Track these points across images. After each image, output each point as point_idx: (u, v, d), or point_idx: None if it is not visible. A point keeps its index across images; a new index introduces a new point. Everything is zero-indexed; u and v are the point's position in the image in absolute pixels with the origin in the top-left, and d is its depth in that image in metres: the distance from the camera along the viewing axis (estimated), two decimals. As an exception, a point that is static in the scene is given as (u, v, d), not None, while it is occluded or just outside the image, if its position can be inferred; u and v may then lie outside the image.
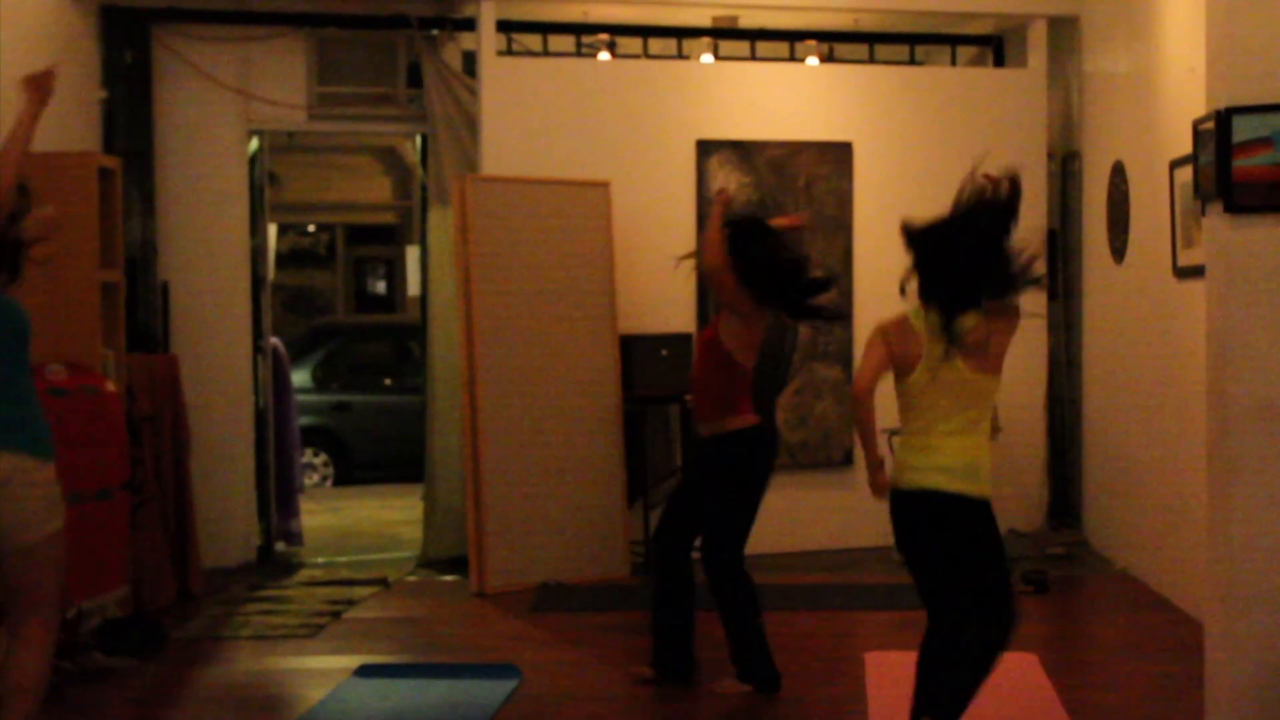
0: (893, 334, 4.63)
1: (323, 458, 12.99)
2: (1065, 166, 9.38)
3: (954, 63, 9.60)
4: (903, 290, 4.64)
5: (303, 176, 16.36)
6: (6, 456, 4.40)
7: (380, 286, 18.77)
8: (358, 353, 14.22)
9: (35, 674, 4.52)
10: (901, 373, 4.61)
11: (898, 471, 4.67)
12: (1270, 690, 4.86)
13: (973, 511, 4.56)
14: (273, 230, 12.16)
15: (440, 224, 8.75)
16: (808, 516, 8.90)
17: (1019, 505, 8.91)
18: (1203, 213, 5.19)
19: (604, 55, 9.01)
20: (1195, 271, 6.43)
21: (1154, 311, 7.67)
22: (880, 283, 9.00)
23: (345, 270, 18.47)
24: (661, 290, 8.53)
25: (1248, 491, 4.87)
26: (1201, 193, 5.16)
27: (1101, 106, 8.79)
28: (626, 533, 8.35)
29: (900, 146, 9.04)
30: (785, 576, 8.18)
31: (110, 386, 6.82)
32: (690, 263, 6.67)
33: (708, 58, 9.16)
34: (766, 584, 7.88)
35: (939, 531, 4.58)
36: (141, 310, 8.39)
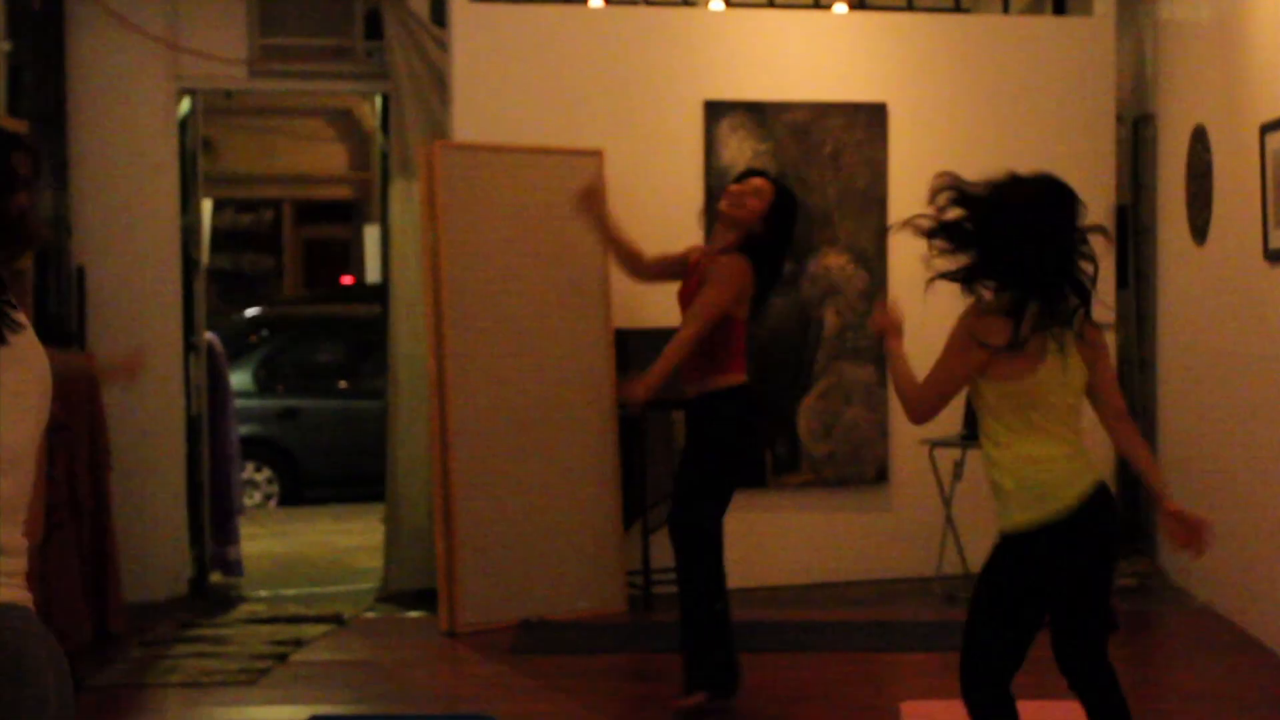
0: (993, 331, 4.41)
1: (266, 473, 13.00)
2: (1137, 132, 9.38)
3: (1006, 10, 9.60)
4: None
5: (243, 144, 16.37)
6: None
7: (334, 272, 18.77)
8: (307, 350, 14.22)
9: None
10: (1012, 375, 4.44)
11: (1039, 498, 4.40)
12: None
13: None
14: (207, 206, 12.12)
15: (404, 199, 8.75)
16: (836, 543, 8.89)
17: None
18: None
19: (596, 2, 9.00)
20: (1290, 254, 6.42)
21: (1242, 301, 7.66)
22: (920, 268, 9.02)
23: (293, 253, 18.48)
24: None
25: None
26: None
27: (1180, 61, 8.78)
28: (622, 562, 8.34)
29: (943, 108, 9.04)
30: (809, 612, 8.17)
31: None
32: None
33: (717, 4, 9.15)
34: (788, 621, 7.92)
35: (1110, 557, 4.53)
36: (52, 299, 8.39)
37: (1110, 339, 4.55)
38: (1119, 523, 4.56)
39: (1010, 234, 4.44)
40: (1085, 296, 4.43)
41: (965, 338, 4.44)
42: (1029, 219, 4.46)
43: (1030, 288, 4.38)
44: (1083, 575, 4.45)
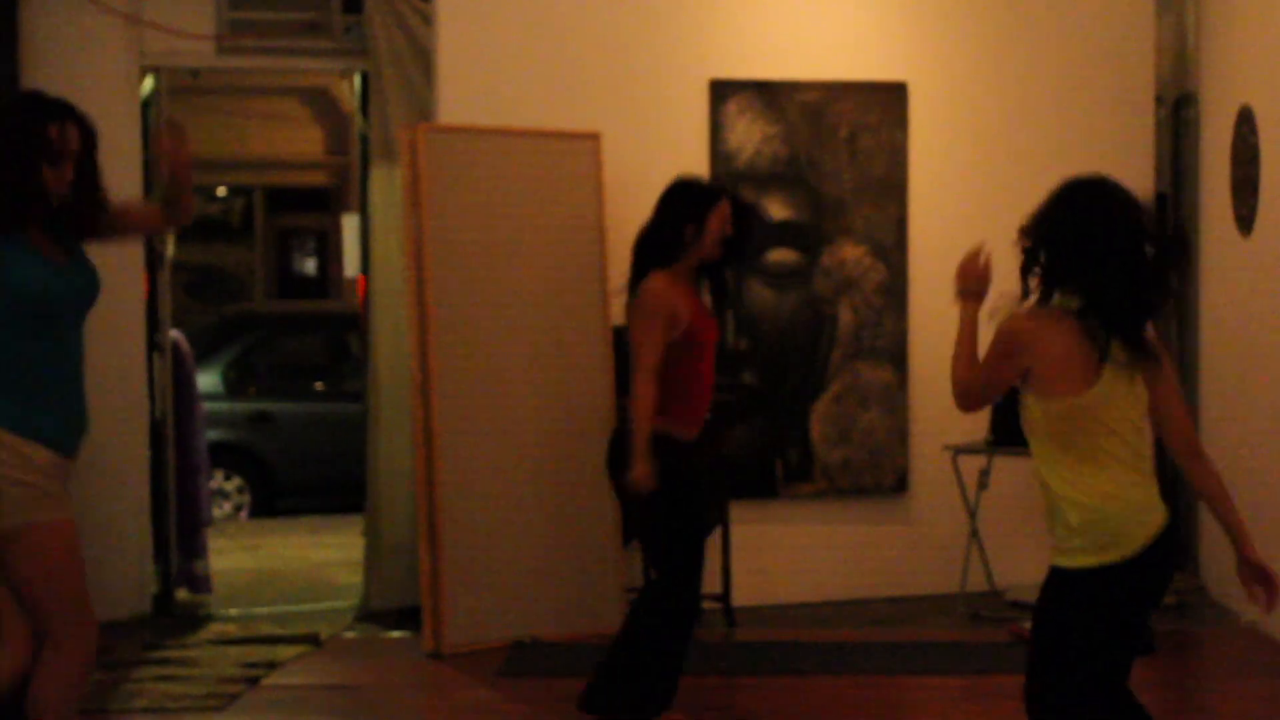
0: (1046, 336, 4.41)
1: (236, 482, 13.02)
2: (1178, 113, 9.39)
3: (1037, -19, 9.62)
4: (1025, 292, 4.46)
5: (211, 126, 16.36)
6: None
7: (309, 265, 18.79)
8: (281, 349, 14.25)
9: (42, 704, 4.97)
10: (1069, 389, 4.41)
11: (1107, 543, 4.37)
12: None
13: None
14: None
15: (385, 186, 8.77)
16: (852, 557, 8.91)
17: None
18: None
19: (593, -28, 9.03)
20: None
21: (1290, 296, 7.68)
22: (943, 260, 9.04)
23: (265, 245, 18.50)
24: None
25: None
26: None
27: (1224, 37, 8.79)
28: (620, 578, 8.35)
29: (967, 88, 9.06)
30: (824, 632, 8.19)
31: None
32: None
33: (724, -25, 9.17)
34: (802, 642, 7.93)
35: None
36: (6, 295, 8.38)
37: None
38: (1180, 556, 4.55)
39: (1058, 239, 4.44)
40: (1145, 308, 4.41)
41: (1009, 337, 4.42)
42: (1077, 223, 4.43)
43: (1090, 297, 4.36)
44: (1138, 615, 4.45)
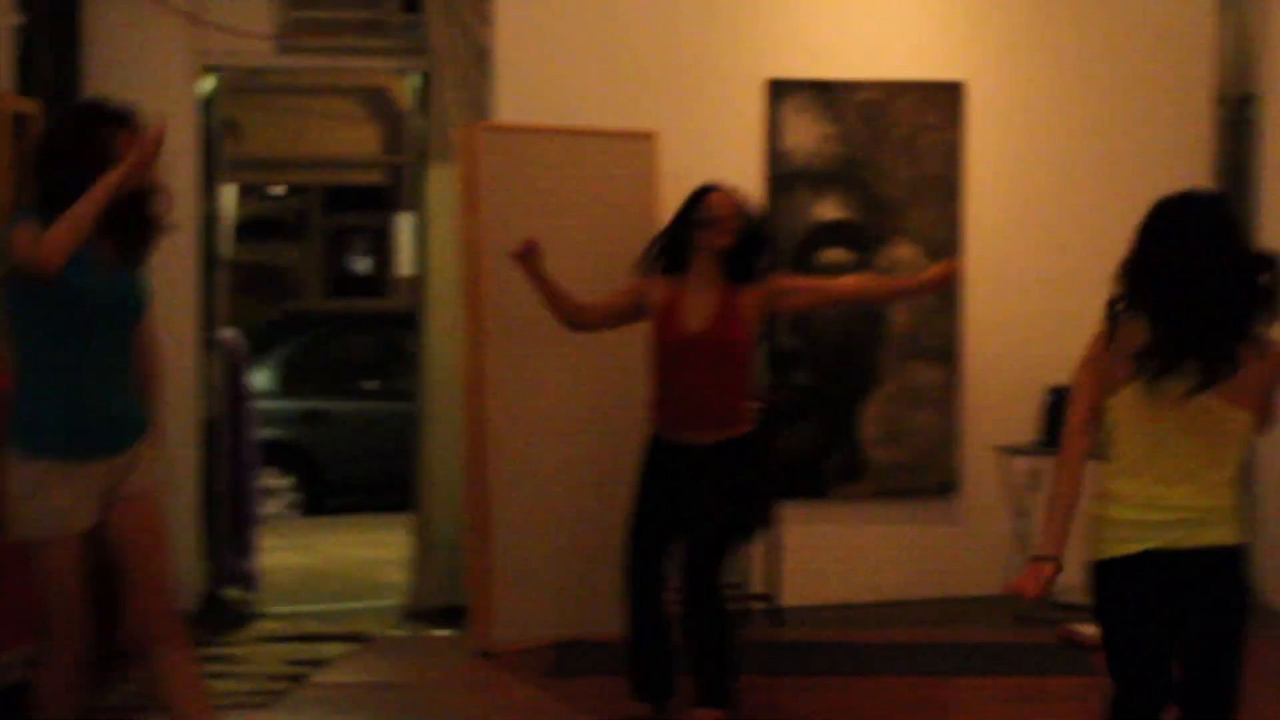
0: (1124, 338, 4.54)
1: (288, 480, 13.09)
2: (1239, 113, 9.35)
3: (1096, -19, 9.61)
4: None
5: (269, 125, 16.44)
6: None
7: (364, 264, 18.87)
8: (334, 348, 14.31)
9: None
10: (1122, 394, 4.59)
11: (1124, 537, 4.59)
12: None
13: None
14: (231, 193, 12.25)
15: (441, 185, 8.81)
16: (901, 558, 8.91)
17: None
18: None
19: (649, -29, 9.07)
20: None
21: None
22: (1001, 262, 9.07)
23: (321, 244, 18.59)
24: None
25: None
26: None
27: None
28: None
29: (1025, 88, 9.06)
30: (872, 633, 8.19)
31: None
32: None
33: (781, -26, 9.20)
34: (848, 642, 7.95)
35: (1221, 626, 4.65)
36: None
37: None
38: (1235, 593, 4.56)
39: (1136, 258, 4.54)
40: (1228, 329, 4.43)
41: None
42: (1149, 239, 4.52)
43: (1156, 314, 4.43)
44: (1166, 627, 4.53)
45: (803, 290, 6.93)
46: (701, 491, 6.59)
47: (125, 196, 5.08)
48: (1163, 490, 4.51)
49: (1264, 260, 4.45)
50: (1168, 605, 4.53)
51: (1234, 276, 4.43)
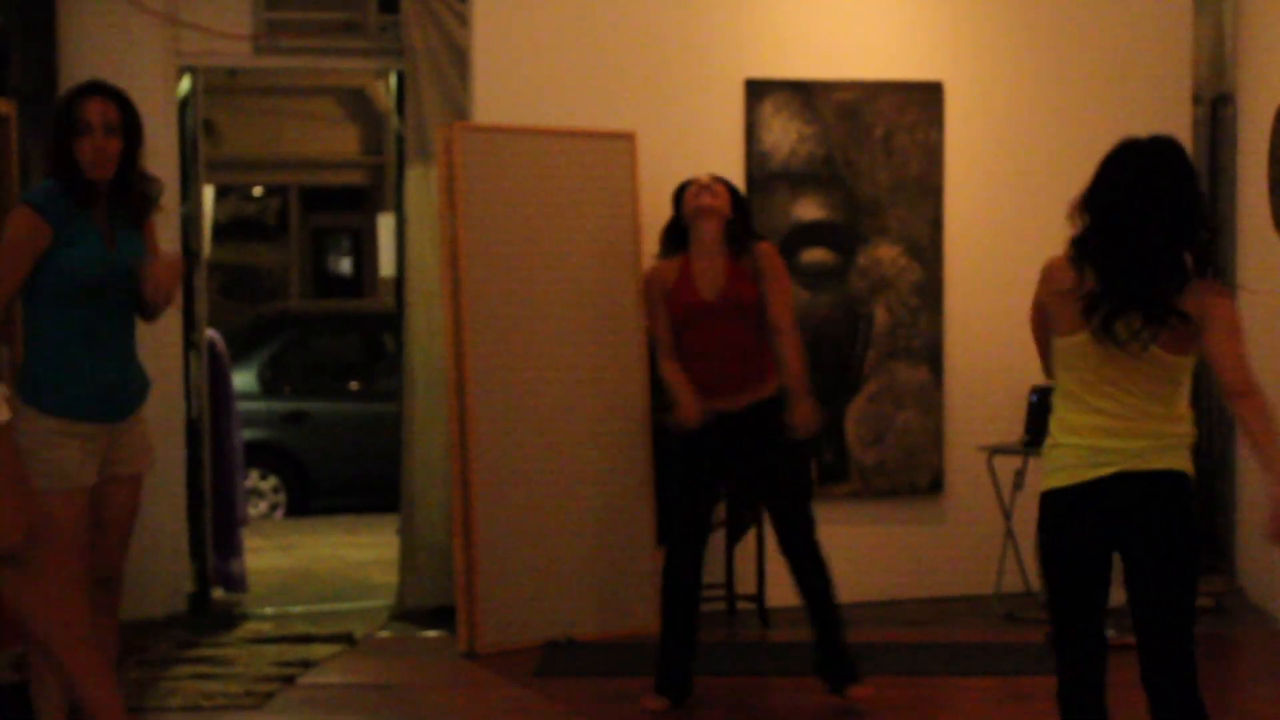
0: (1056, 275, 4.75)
1: (272, 481, 13.06)
2: (1215, 113, 9.36)
3: (1073, -20, 9.60)
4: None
5: (247, 126, 16.43)
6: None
7: (345, 265, 18.84)
8: (316, 349, 14.28)
9: None
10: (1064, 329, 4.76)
11: (1057, 468, 4.78)
12: None
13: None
14: (209, 194, 12.20)
15: (421, 186, 8.79)
16: (887, 558, 8.91)
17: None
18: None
19: (628, -28, 9.04)
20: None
21: (1328, 297, 7.65)
22: (978, 261, 9.07)
23: (301, 244, 18.54)
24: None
25: None
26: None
27: (1262, 36, 8.77)
28: (655, 578, 8.34)
29: (1004, 88, 9.05)
30: (858, 633, 8.17)
31: (3, 389, 6.85)
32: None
33: (760, -25, 9.18)
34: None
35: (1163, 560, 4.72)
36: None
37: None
38: (1180, 517, 4.59)
39: (1085, 206, 4.70)
40: (1170, 280, 4.54)
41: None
42: (1096, 188, 4.69)
43: (1099, 260, 4.59)
44: (1093, 562, 4.66)
45: (769, 290, 6.94)
46: (755, 456, 6.84)
47: (117, 177, 5.49)
48: (1105, 426, 4.62)
49: (1202, 217, 4.63)
50: (1107, 535, 4.63)
51: (1177, 227, 4.57)
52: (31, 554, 5.05)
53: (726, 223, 6.93)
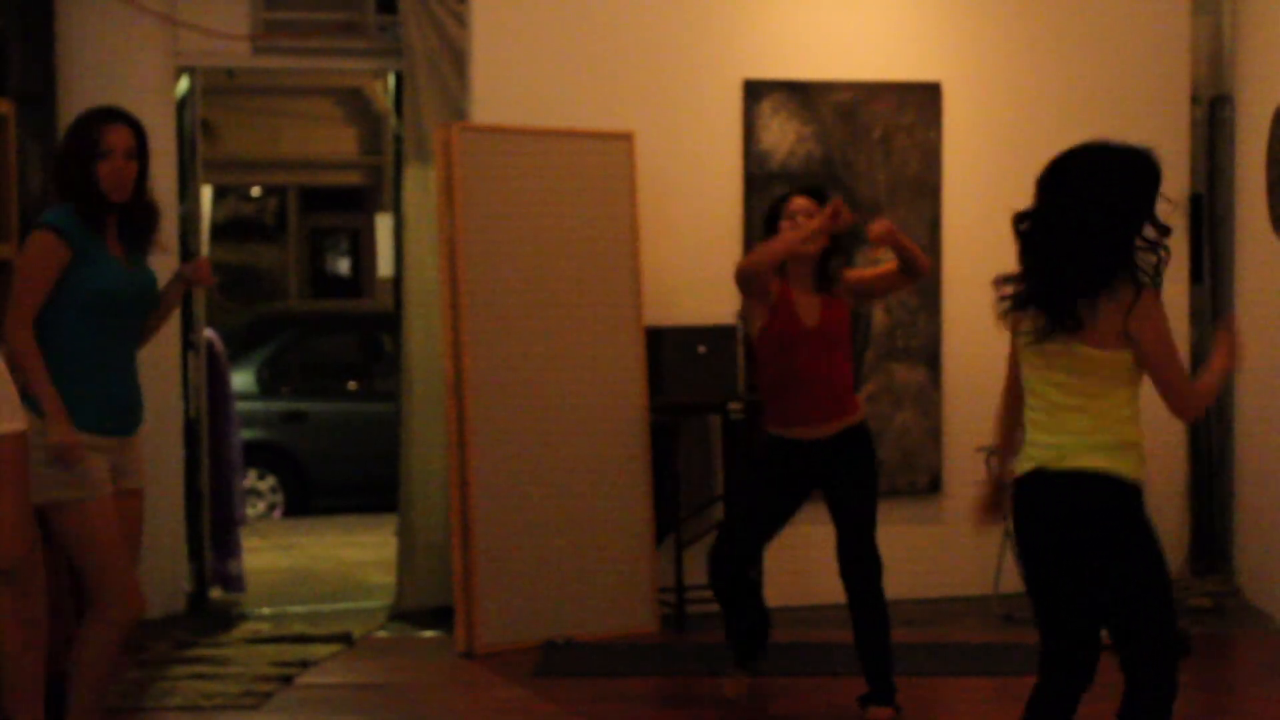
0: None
1: (270, 481, 13.05)
2: (1214, 113, 9.36)
3: (1072, -19, 9.59)
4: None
5: (245, 126, 16.42)
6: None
7: (343, 265, 18.84)
8: (315, 349, 14.28)
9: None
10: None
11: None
12: None
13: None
14: (207, 194, 12.20)
15: (419, 186, 8.78)
16: (885, 558, 8.74)
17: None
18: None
19: (626, -28, 9.03)
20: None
21: (1326, 298, 7.65)
22: (977, 260, 9.04)
23: (299, 245, 18.54)
24: (698, 271, 8.53)
25: None
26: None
27: (1260, 37, 8.76)
28: (654, 578, 8.36)
29: (1002, 88, 9.04)
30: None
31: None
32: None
33: (758, -25, 9.17)
34: (835, 642, 7.92)
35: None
36: (42, 294, 8.42)
37: (1183, 333, 4.68)
38: (1119, 524, 4.61)
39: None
40: (1071, 285, 4.57)
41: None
42: (1038, 185, 4.78)
43: (1021, 258, 4.75)
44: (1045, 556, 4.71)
45: (868, 279, 6.95)
46: (838, 483, 6.78)
47: (131, 201, 5.66)
48: (1046, 421, 4.68)
49: (1136, 222, 4.64)
50: (1043, 533, 4.69)
51: (1095, 232, 4.58)
52: (27, 572, 5.16)
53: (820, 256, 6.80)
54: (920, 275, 6.79)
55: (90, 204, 5.57)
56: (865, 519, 6.80)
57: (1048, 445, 4.65)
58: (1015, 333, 4.77)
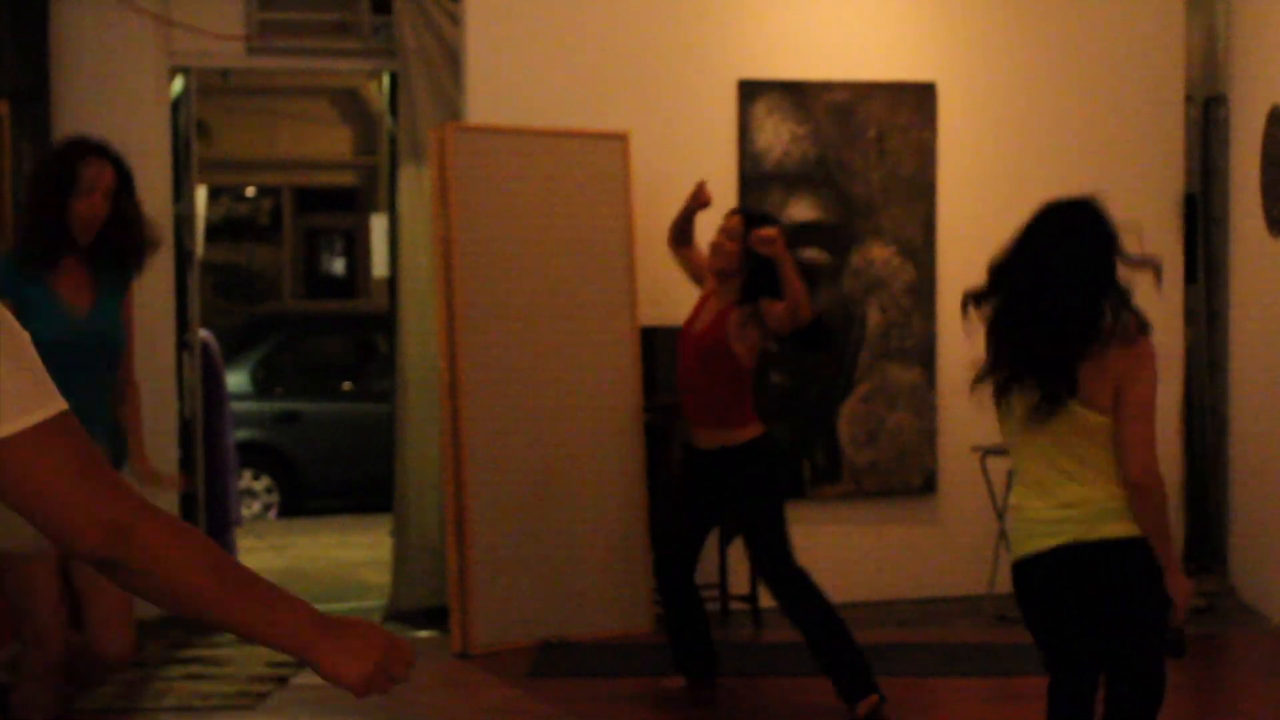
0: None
1: (265, 482, 13.05)
2: (1208, 113, 9.36)
3: (1066, -19, 9.60)
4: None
5: (240, 126, 16.41)
6: None
7: (337, 265, 18.82)
8: (309, 349, 14.27)
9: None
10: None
11: (1014, 538, 4.73)
12: None
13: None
14: (202, 194, 12.18)
15: (414, 186, 8.79)
16: (879, 558, 8.91)
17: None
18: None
19: (621, -28, 9.03)
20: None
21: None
22: (972, 260, 9.03)
23: (294, 245, 18.52)
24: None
25: None
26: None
27: (1255, 36, 8.77)
28: (649, 579, 8.35)
29: (997, 88, 9.05)
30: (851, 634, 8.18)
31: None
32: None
33: (753, -25, 9.18)
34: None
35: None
36: (36, 295, 8.41)
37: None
38: (1127, 585, 4.50)
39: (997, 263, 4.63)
40: (1066, 349, 4.39)
41: None
42: (1010, 245, 4.60)
43: (996, 324, 4.57)
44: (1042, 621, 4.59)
45: (764, 309, 6.82)
46: (726, 505, 6.90)
47: (108, 227, 5.39)
48: (1038, 493, 4.52)
49: (1109, 288, 4.44)
50: (1065, 603, 4.53)
51: (1077, 294, 4.42)
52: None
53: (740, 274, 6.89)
54: (794, 314, 6.66)
55: (48, 246, 5.33)
56: (757, 541, 6.84)
57: (1064, 519, 4.46)
58: (1006, 419, 4.57)
